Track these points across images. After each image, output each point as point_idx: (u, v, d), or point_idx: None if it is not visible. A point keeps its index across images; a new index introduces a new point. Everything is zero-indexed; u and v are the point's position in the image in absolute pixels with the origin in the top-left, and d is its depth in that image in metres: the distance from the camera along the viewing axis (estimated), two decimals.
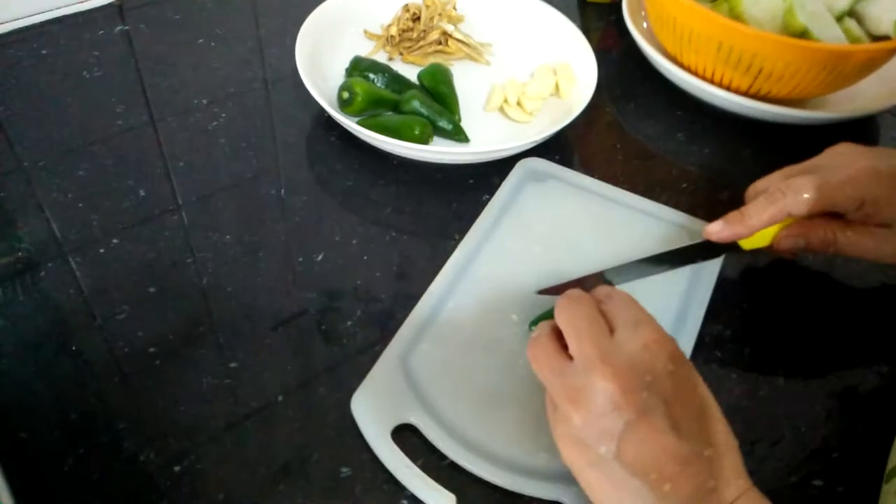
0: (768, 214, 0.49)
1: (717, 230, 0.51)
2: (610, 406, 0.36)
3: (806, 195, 0.48)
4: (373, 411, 0.44)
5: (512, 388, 0.46)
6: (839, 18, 0.63)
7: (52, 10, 0.71)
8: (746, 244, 0.52)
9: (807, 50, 0.59)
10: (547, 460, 0.43)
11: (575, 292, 0.42)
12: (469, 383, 0.46)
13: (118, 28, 0.71)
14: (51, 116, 0.62)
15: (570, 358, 0.39)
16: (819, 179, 0.48)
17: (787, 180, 0.50)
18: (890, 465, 0.44)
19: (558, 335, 0.41)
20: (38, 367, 0.46)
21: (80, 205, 0.55)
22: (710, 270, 0.54)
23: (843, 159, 0.50)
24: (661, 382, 0.37)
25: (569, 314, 0.41)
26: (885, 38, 0.63)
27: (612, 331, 0.40)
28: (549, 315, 0.44)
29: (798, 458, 0.46)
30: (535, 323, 0.49)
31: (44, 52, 0.68)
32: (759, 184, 0.53)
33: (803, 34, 0.60)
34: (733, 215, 0.51)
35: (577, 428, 0.37)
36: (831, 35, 0.60)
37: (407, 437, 0.44)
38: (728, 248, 0.53)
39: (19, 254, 0.52)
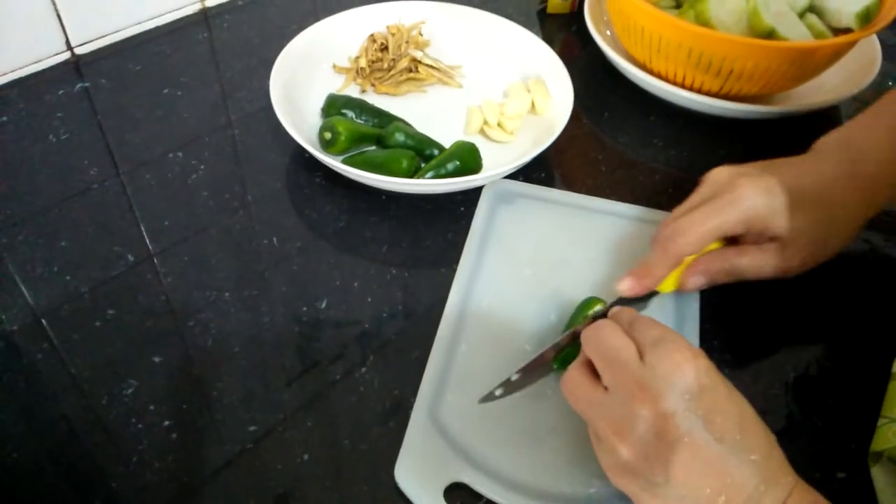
0: (668, 263, 0.50)
1: (629, 287, 0.50)
2: (653, 432, 0.37)
3: (693, 236, 0.49)
4: (420, 479, 0.43)
5: (546, 421, 0.46)
6: (801, 15, 0.65)
7: (5, 73, 0.68)
8: (661, 287, 0.52)
9: (776, 49, 0.61)
10: (600, 486, 0.43)
11: (600, 322, 0.43)
12: (503, 425, 0.45)
13: (78, 86, 0.69)
14: (22, 186, 0.60)
15: (605, 388, 0.40)
16: (700, 215, 0.49)
17: (674, 224, 0.50)
18: (873, 448, 0.45)
19: (589, 367, 0.41)
20: (50, 457, 0.44)
21: (68, 277, 0.53)
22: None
23: (720, 186, 0.50)
24: (698, 400, 0.38)
25: (596, 344, 0.41)
26: (846, 30, 0.65)
27: (641, 355, 0.40)
28: (575, 351, 0.44)
29: (818, 452, 0.47)
30: (560, 361, 0.48)
31: (4, 118, 0.65)
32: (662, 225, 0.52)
33: (770, 34, 0.61)
34: (638, 271, 0.50)
35: (624, 458, 0.38)
36: (796, 32, 0.62)
37: (456, 492, 0.43)
38: (647, 298, 0.52)
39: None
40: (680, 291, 0.53)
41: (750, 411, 0.39)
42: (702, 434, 0.37)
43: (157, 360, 0.49)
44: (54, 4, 0.67)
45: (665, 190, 0.64)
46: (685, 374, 0.38)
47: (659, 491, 0.37)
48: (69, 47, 0.71)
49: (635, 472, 0.38)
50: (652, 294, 0.52)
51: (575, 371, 0.42)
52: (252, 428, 0.46)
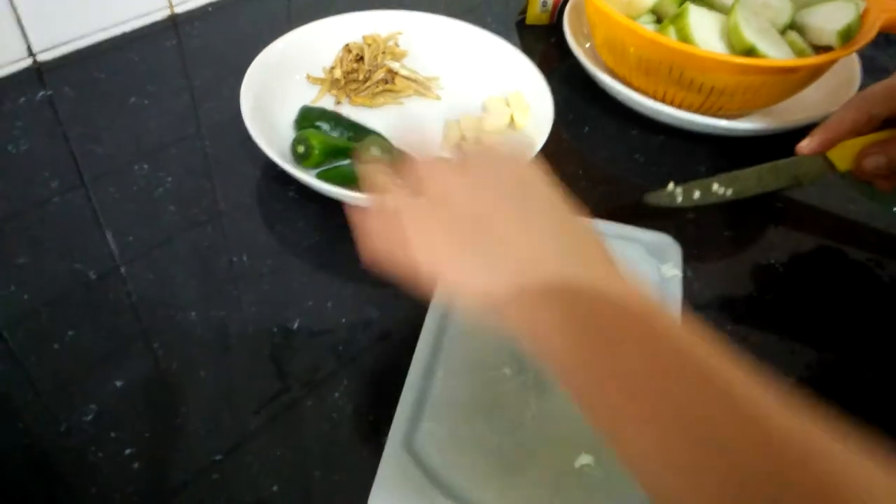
0: (850, 117, 0.53)
1: (807, 143, 0.54)
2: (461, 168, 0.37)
3: (877, 91, 0.53)
4: None
5: (526, 448, 0.44)
6: (782, 32, 0.64)
7: None
8: (838, 163, 0.55)
9: (757, 67, 0.60)
10: None
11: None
12: (482, 454, 0.44)
13: (40, 94, 0.66)
14: None
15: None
16: (889, 80, 0.53)
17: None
18: None
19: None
20: (2, 489, 0.42)
21: (26, 297, 0.51)
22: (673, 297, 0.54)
23: None
24: (509, 167, 0.38)
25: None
26: (828, 47, 0.64)
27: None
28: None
29: None
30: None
31: None
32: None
33: (750, 51, 0.61)
34: (818, 128, 0.55)
35: (453, 202, 0.36)
36: (778, 49, 0.61)
37: None
38: (821, 174, 0.56)
39: None
40: (857, 173, 0.55)
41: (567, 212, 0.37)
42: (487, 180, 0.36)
43: (118, 384, 0.47)
44: (15, 9, 0.65)
45: (647, 208, 0.63)
46: (500, 154, 0.39)
47: (478, 241, 0.35)
48: (31, 54, 0.68)
49: (455, 216, 0.35)
50: (825, 170, 0.55)
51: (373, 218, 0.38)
52: (218, 457, 0.44)
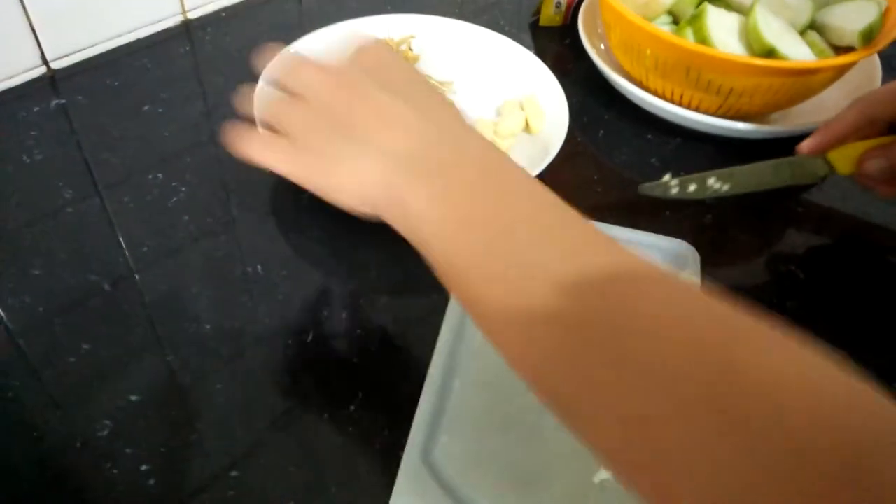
0: (850, 119, 0.53)
1: (807, 143, 0.54)
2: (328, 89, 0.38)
3: (880, 94, 0.53)
4: None
5: (546, 461, 0.44)
6: (802, 32, 0.63)
7: None
8: (839, 166, 0.54)
9: (777, 69, 0.59)
10: None
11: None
12: (501, 469, 0.43)
13: (54, 102, 0.66)
14: None
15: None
16: (894, 83, 0.53)
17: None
18: None
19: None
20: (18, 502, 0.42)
21: (41, 309, 0.51)
22: None
23: None
24: (363, 56, 0.40)
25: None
26: (848, 48, 0.63)
27: None
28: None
29: None
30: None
31: None
32: None
33: (770, 52, 0.60)
34: (820, 128, 0.55)
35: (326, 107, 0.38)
36: (798, 51, 0.60)
37: None
38: (822, 178, 0.56)
39: None
40: (858, 176, 0.54)
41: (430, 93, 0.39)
42: (362, 79, 0.37)
43: (133, 398, 0.47)
44: (28, 17, 0.65)
45: (662, 212, 0.62)
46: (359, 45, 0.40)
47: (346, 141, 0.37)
48: (45, 62, 0.68)
49: (330, 125, 0.37)
50: (826, 174, 0.55)
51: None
52: (234, 473, 0.44)
